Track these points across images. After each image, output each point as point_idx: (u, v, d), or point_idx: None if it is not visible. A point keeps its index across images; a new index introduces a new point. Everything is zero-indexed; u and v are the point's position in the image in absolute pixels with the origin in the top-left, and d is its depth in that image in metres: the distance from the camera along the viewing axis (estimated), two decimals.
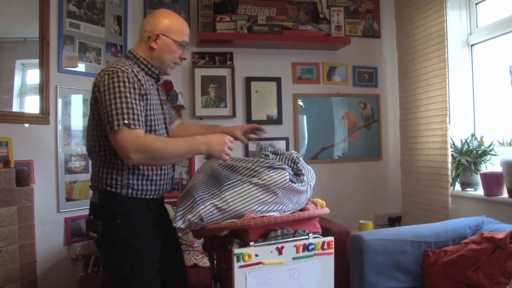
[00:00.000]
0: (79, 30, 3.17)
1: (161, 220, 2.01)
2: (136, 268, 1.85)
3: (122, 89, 1.74)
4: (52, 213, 3.02)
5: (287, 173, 1.82)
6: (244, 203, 1.77)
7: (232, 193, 1.78)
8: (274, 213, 1.83)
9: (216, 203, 1.76)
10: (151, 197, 1.93)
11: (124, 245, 1.86)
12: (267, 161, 1.87)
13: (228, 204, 1.76)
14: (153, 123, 1.87)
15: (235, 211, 1.77)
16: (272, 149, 2.00)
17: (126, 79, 1.75)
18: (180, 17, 2.01)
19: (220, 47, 3.70)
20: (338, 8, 3.91)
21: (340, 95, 3.96)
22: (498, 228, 2.44)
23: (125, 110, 1.71)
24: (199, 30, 3.59)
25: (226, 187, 1.80)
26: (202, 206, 1.75)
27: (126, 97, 1.73)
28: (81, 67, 3.20)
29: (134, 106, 1.74)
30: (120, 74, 1.76)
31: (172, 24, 1.93)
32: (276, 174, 1.80)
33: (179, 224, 1.77)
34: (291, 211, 1.89)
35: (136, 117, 1.72)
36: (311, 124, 3.91)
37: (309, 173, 1.99)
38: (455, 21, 3.33)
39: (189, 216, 1.76)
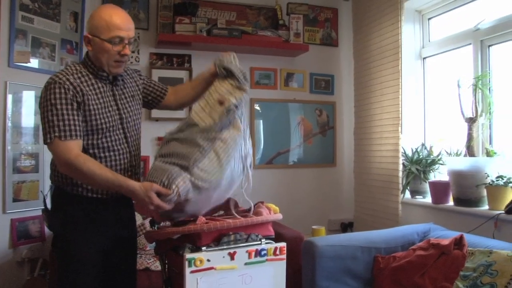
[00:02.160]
0: (32, 25, 3.07)
1: (111, 220, 2.00)
2: (67, 261, 1.92)
3: (53, 101, 1.78)
4: None
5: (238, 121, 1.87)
6: (218, 171, 1.80)
7: (202, 166, 1.77)
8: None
9: (192, 179, 1.75)
10: (98, 196, 1.94)
11: (60, 238, 1.97)
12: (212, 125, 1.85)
13: (203, 182, 1.77)
14: (99, 127, 1.89)
15: (213, 182, 1.79)
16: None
17: (57, 90, 1.79)
18: (112, 10, 1.89)
19: (179, 49, 3.67)
20: (298, 15, 3.95)
21: (296, 101, 4.00)
22: (444, 235, 2.53)
23: (55, 123, 1.77)
24: (158, 31, 3.54)
25: (193, 162, 1.77)
26: (180, 179, 1.73)
27: (57, 109, 1.78)
28: (34, 63, 3.10)
29: (66, 117, 1.78)
30: (52, 86, 1.80)
31: (97, 22, 1.85)
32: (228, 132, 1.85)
33: None
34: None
35: (67, 127, 1.78)
36: (267, 129, 3.94)
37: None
38: (409, 34, 3.44)
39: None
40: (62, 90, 1.79)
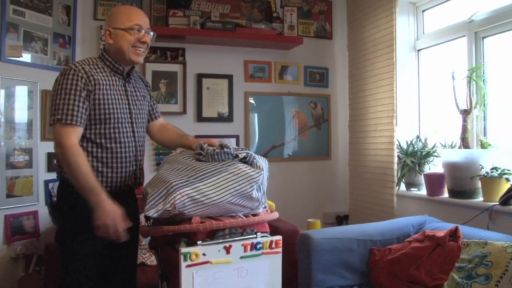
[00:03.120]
0: (24, 18, 3.03)
1: None
2: (70, 255, 1.94)
3: (64, 86, 1.87)
4: None
5: (262, 172, 1.86)
6: (220, 193, 1.75)
7: (208, 183, 1.75)
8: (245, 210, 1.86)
9: (192, 194, 1.71)
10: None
11: (64, 232, 1.97)
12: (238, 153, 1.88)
13: (204, 196, 1.73)
14: (107, 116, 1.94)
15: (211, 203, 1.75)
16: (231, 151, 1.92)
17: (71, 76, 1.87)
18: (129, 6, 2.10)
19: (172, 42, 3.65)
20: (292, 8, 3.94)
21: (291, 94, 3.99)
22: (439, 227, 2.54)
23: (61, 106, 1.85)
24: (151, 24, 3.50)
25: (201, 175, 1.76)
26: (178, 193, 1.70)
27: (66, 93, 1.86)
28: (27, 57, 3.06)
29: (72, 102, 1.84)
30: (67, 72, 1.89)
31: (117, 16, 2.00)
32: (249, 170, 1.83)
33: (152, 213, 1.71)
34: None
35: (70, 112, 1.84)
36: (262, 122, 3.93)
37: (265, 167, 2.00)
38: (403, 27, 3.44)
39: (162, 205, 1.70)
40: (76, 77, 1.87)
